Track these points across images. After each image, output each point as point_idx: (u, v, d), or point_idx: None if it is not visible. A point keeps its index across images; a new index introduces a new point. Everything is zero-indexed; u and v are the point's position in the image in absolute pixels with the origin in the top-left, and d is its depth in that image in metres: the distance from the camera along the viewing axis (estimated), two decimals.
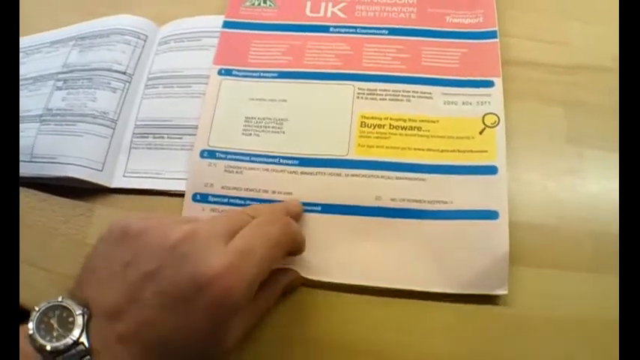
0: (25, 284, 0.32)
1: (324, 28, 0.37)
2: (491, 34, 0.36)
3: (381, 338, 0.29)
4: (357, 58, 0.36)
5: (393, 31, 0.36)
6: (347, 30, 0.37)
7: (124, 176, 0.35)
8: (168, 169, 0.35)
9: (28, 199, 0.35)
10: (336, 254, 0.31)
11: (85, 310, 0.25)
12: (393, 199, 0.31)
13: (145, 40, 0.40)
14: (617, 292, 0.27)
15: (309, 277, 0.31)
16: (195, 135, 0.35)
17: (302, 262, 0.31)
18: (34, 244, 0.34)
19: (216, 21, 0.39)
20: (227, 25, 0.38)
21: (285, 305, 0.31)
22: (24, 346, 0.24)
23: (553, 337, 0.29)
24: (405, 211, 0.31)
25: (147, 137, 0.36)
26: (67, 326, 0.25)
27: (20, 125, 0.38)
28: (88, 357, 0.24)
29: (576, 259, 0.30)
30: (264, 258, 0.26)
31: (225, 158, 0.34)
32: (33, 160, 0.36)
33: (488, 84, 0.34)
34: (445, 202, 0.31)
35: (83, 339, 0.24)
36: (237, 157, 0.34)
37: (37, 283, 0.32)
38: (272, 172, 0.33)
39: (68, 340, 0.24)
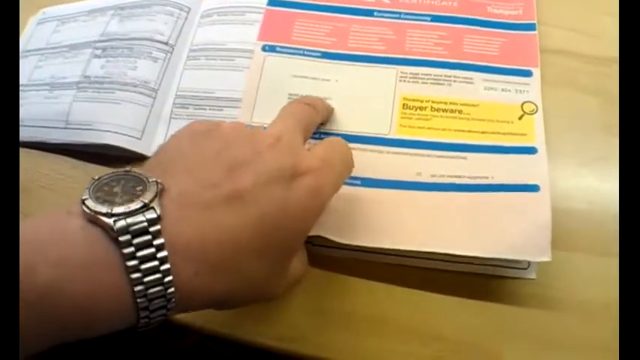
0: None
1: (369, 12, 0.38)
2: (531, 27, 0.37)
3: (409, 310, 0.29)
4: (401, 43, 0.37)
5: (435, 18, 0.37)
6: (391, 15, 0.38)
7: None
8: None
9: (59, 166, 0.35)
10: (375, 222, 0.31)
11: (160, 182, 0.21)
12: (433, 175, 0.32)
13: (187, 12, 0.40)
14: None
15: (347, 242, 0.30)
16: (236, 107, 0.35)
17: (340, 230, 0.30)
18: None
19: None
20: (272, 3, 0.39)
21: (315, 277, 0.31)
22: (63, 221, 0.20)
23: (582, 320, 0.29)
24: (446, 185, 0.32)
25: (188, 108, 0.36)
26: (136, 193, 0.21)
27: (55, 92, 0.38)
28: (157, 227, 0.20)
29: (606, 244, 0.31)
30: (342, 173, 0.27)
31: None
32: (68, 126, 0.36)
33: (527, 73, 0.35)
34: (486, 177, 0.32)
35: (155, 204, 0.20)
36: None
37: None
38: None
39: (136, 204, 0.20)
